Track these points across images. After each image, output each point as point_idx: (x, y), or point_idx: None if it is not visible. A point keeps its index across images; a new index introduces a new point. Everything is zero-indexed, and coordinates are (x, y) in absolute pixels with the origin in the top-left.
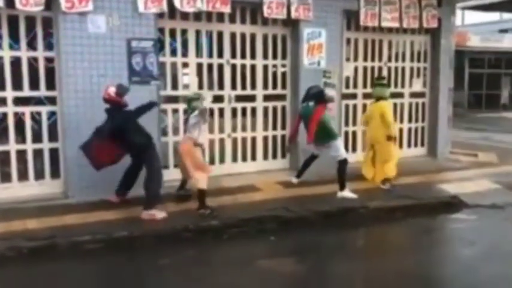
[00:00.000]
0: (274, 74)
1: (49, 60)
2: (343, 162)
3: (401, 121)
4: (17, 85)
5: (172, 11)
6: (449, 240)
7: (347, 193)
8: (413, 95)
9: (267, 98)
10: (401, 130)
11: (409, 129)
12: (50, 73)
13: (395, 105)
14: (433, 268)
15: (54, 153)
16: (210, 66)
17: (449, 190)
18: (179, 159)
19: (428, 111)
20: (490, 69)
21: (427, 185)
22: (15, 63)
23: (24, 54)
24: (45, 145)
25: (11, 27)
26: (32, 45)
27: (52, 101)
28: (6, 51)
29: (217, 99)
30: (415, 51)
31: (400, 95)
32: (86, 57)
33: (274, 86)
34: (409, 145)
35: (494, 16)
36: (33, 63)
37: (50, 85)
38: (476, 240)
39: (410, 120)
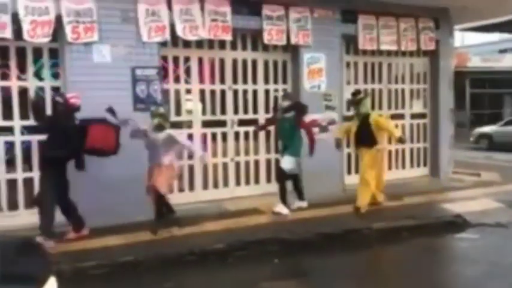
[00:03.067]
0: (276, 99)
1: (55, 89)
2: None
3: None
4: (24, 114)
5: (175, 40)
6: (454, 260)
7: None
8: (414, 116)
9: (269, 122)
10: (403, 151)
11: (411, 150)
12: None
13: (396, 126)
14: None
15: None
16: (212, 92)
17: (453, 209)
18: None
19: (429, 132)
20: (492, 89)
21: (430, 204)
22: (23, 92)
23: (31, 84)
24: None
25: (18, 58)
26: (38, 75)
27: None
28: (14, 81)
29: (220, 123)
30: (414, 73)
31: (400, 116)
32: (91, 86)
33: (276, 110)
34: (411, 165)
35: (494, 36)
36: (39, 92)
37: None
38: (480, 259)
39: (412, 141)
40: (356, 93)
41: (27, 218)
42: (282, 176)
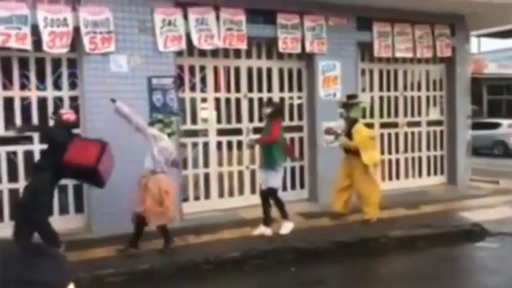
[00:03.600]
0: (291, 106)
1: (73, 99)
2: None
3: (420, 149)
4: (43, 123)
5: (191, 49)
6: (473, 269)
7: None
8: (431, 123)
9: (284, 129)
10: (420, 158)
11: (428, 158)
12: (74, 111)
13: (412, 134)
14: None
15: (78, 188)
16: (227, 100)
17: (471, 218)
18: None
19: (446, 139)
20: (509, 95)
21: (448, 213)
22: (42, 102)
23: (50, 94)
24: (70, 181)
25: (37, 69)
26: (56, 85)
27: None
28: (34, 91)
29: (236, 132)
30: (430, 80)
31: (417, 124)
32: (108, 96)
33: (291, 118)
34: (428, 173)
35: (510, 42)
36: (57, 102)
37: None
38: (500, 268)
39: (428, 149)
40: (351, 96)
41: (59, 223)
42: (272, 196)
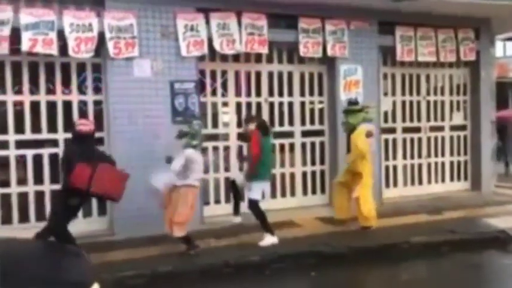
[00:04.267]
0: (312, 111)
1: (97, 103)
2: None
3: (443, 154)
4: (68, 127)
5: (213, 54)
6: (497, 277)
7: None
8: (454, 128)
9: (305, 134)
10: (443, 164)
11: (451, 163)
12: (97, 115)
13: (435, 138)
14: None
15: None
16: (248, 104)
17: (496, 224)
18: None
19: (470, 144)
20: None
21: (471, 219)
22: (67, 106)
23: (75, 98)
24: None
25: (62, 73)
26: (81, 90)
27: (99, 141)
28: (59, 95)
29: None
30: (454, 84)
31: (440, 129)
32: (132, 100)
33: (312, 122)
34: (451, 179)
35: None
36: (82, 106)
37: (98, 127)
38: None
39: (452, 154)
40: (353, 102)
41: (82, 226)
42: (254, 208)
